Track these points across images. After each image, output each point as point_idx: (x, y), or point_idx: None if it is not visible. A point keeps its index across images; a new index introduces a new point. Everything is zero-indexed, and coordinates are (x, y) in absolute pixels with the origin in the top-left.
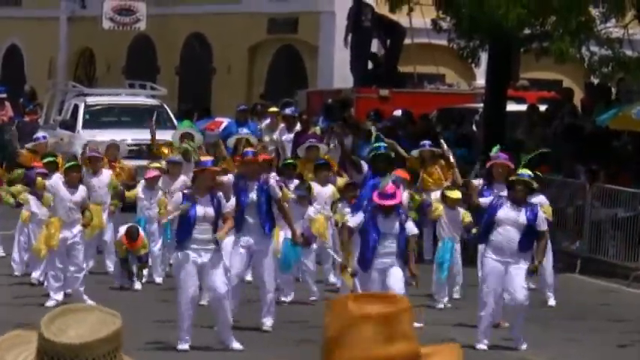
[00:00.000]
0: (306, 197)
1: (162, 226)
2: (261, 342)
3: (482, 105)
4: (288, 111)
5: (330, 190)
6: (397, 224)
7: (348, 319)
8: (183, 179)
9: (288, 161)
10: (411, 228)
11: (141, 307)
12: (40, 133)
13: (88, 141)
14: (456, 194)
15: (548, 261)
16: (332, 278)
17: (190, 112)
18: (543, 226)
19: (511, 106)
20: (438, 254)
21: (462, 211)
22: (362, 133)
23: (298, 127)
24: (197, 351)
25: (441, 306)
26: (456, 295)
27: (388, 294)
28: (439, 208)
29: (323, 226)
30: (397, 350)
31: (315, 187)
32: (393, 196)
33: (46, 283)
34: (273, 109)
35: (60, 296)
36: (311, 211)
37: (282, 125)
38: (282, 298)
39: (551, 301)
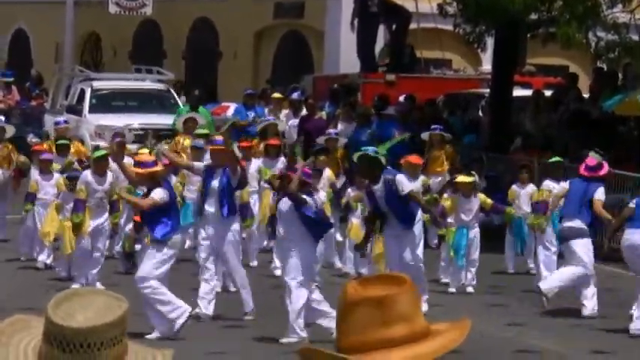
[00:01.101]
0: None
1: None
2: (266, 326)
3: (488, 90)
4: (294, 96)
5: (327, 174)
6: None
7: (344, 304)
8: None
9: (295, 150)
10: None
11: None
12: (60, 118)
13: (96, 125)
14: (468, 178)
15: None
16: (337, 263)
17: (200, 97)
18: None
19: (517, 92)
20: (452, 240)
21: (480, 196)
22: (362, 117)
23: (304, 111)
24: (198, 339)
25: (453, 290)
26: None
27: (394, 275)
28: (448, 203)
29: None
30: (395, 333)
31: None
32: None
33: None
34: (277, 94)
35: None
36: (322, 196)
37: (286, 110)
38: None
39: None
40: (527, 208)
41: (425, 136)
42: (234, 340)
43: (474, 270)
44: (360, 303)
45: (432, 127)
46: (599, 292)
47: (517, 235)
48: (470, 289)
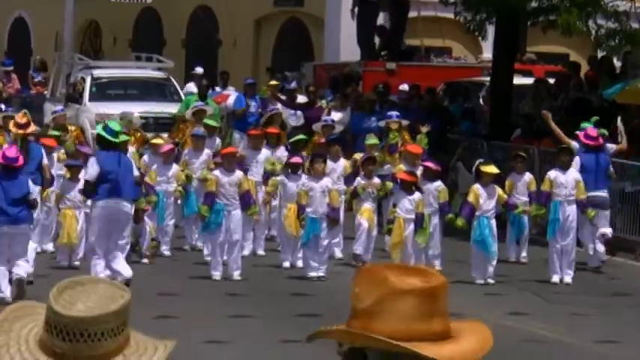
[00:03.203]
0: (322, 167)
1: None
2: (264, 316)
3: (489, 78)
4: (292, 85)
5: (342, 164)
6: None
7: (389, 291)
8: (208, 153)
9: (299, 137)
10: None
11: (146, 279)
12: (58, 107)
13: (96, 113)
14: (492, 169)
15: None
16: (338, 253)
17: (208, 86)
18: None
19: (518, 80)
20: (475, 232)
21: (497, 188)
22: (365, 105)
23: (300, 99)
24: (195, 329)
25: (482, 281)
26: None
27: (423, 267)
28: (472, 196)
29: (337, 201)
30: (436, 327)
31: (328, 163)
32: None
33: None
34: (273, 82)
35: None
36: (328, 182)
37: (282, 98)
38: (311, 274)
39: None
40: (524, 198)
41: (382, 123)
42: (232, 329)
43: (494, 262)
44: (407, 292)
45: (388, 114)
46: (600, 280)
47: (514, 225)
48: (490, 281)
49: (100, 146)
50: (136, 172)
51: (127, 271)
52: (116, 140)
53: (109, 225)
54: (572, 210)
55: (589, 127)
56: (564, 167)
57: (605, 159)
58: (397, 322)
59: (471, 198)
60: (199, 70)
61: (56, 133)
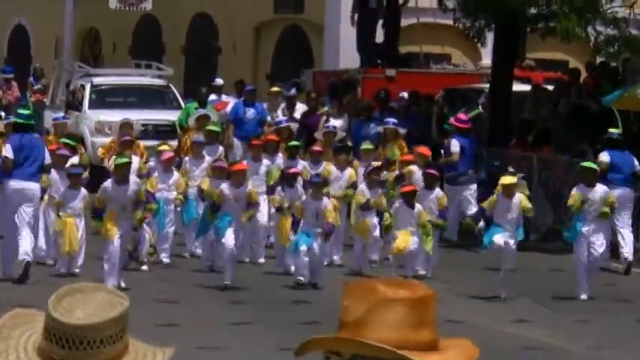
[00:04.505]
0: (321, 186)
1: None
2: (261, 323)
3: (488, 85)
4: (292, 92)
5: (348, 173)
6: None
7: (380, 300)
8: (209, 160)
9: (293, 143)
10: None
11: (146, 286)
12: (59, 114)
13: (96, 121)
14: (510, 180)
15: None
16: (337, 260)
17: (207, 94)
18: None
19: (517, 86)
20: (486, 239)
21: (519, 196)
22: (362, 112)
23: (302, 107)
24: (192, 334)
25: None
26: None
27: (411, 282)
28: (487, 204)
29: (333, 218)
30: (423, 337)
31: (334, 171)
32: None
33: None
34: (275, 89)
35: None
36: (326, 203)
37: (282, 105)
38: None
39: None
40: None
41: (380, 128)
42: (231, 336)
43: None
44: (397, 301)
45: (385, 120)
46: (598, 286)
47: None
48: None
49: (17, 131)
50: (47, 157)
51: (24, 254)
52: (31, 122)
53: (16, 205)
54: (600, 226)
55: (460, 114)
56: (590, 184)
57: (474, 141)
58: (387, 331)
59: (485, 204)
60: (219, 81)
61: (69, 141)
